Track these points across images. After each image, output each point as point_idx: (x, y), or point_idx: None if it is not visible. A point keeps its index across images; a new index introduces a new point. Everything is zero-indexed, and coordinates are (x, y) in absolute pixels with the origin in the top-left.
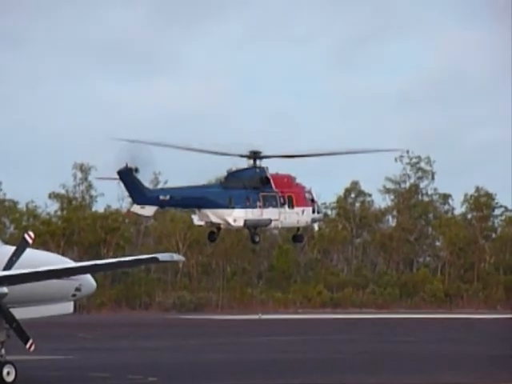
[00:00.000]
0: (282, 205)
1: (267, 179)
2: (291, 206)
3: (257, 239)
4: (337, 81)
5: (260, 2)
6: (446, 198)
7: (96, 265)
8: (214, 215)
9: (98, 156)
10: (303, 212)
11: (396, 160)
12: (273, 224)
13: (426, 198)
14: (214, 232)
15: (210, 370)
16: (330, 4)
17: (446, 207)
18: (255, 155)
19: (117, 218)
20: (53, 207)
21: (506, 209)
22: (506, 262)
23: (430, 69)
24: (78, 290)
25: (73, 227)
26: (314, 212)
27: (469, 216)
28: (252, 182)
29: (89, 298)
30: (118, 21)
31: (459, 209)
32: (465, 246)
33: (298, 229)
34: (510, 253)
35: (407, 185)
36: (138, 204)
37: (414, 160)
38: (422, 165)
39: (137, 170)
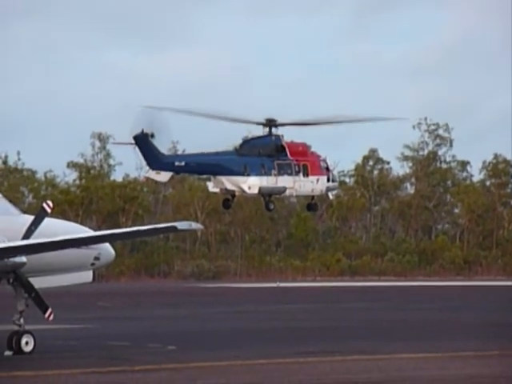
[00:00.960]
0: (297, 173)
1: (282, 147)
2: (306, 174)
3: (271, 207)
4: (352, 49)
5: None
6: (464, 165)
7: (114, 234)
8: (228, 182)
9: (116, 125)
10: (318, 181)
11: (414, 127)
12: (287, 192)
13: (444, 166)
14: (229, 199)
15: (228, 338)
16: None
17: (465, 174)
18: (271, 123)
19: (135, 186)
20: (71, 176)
21: None
22: None
23: (447, 36)
24: (96, 258)
25: (91, 196)
26: (328, 181)
27: (487, 183)
28: (267, 150)
29: (108, 267)
30: None
31: (477, 176)
32: (483, 213)
33: (313, 197)
34: None
35: (425, 152)
36: (153, 169)
37: (432, 127)
38: (440, 132)
39: (153, 136)
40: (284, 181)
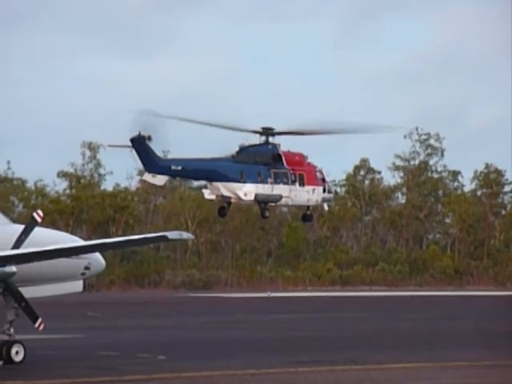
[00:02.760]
0: (293, 182)
1: (279, 156)
2: (302, 184)
3: (266, 214)
4: (343, 57)
5: None
6: (455, 174)
7: (105, 243)
8: (225, 188)
9: (106, 134)
10: (313, 191)
11: (405, 137)
12: (283, 201)
13: (435, 175)
14: (224, 207)
15: (218, 348)
16: None
17: (456, 184)
18: (267, 131)
19: (125, 196)
20: (61, 186)
21: None
22: None
23: (439, 44)
24: (87, 268)
25: (81, 206)
26: (324, 191)
27: (478, 193)
28: (264, 158)
29: (98, 277)
30: None
31: (469, 186)
32: (474, 223)
33: (308, 208)
34: None
35: (416, 162)
36: (149, 172)
37: (424, 137)
38: (432, 142)
39: (150, 139)
40: (280, 189)
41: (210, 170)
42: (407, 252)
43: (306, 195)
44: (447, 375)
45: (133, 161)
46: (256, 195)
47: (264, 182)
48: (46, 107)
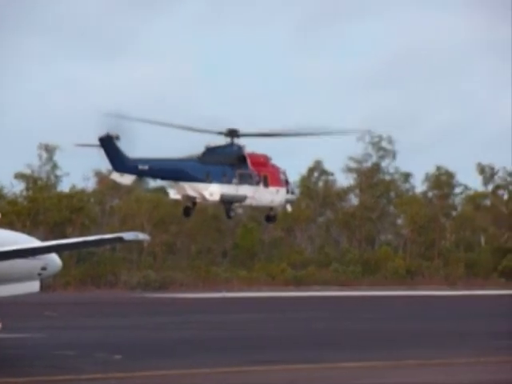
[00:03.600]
0: (258, 183)
1: (244, 157)
2: (266, 185)
3: (231, 214)
4: (297, 62)
5: None
6: (407, 176)
7: (61, 244)
8: (190, 188)
9: (63, 136)
10: (277, 192)
11: (358, 139)
12: (247, 201)
13: (387, 177)
14: (190, 207)
15: (173, 347)
16: None
17: (407, 186)
18: (232, 133)
19: (82, 197)
20: (18, 187)
21: (466, 187)
22: (465, 240)
23: (391, 49)
24: (43, 269)
25: (38, 207)
26: (287, 193)
27: (429, 194)
28: (229, 159)
29: (54, 277)
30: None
31: (420, 187)
32: (426, 224)
33: (272, 208)
34: (470, 230)
35: (369, 164)
36: (117, 171)
37: (376, 139)
38: (384, 144)
39: (118, 138)
40: (245, 190)
41: (177, 170)
42: (360, 253)
43: (269, 196)
44: (398, 374)
45: (89, 162)
46: (221, 195)
47: (229, 182)
48: (2, 109)
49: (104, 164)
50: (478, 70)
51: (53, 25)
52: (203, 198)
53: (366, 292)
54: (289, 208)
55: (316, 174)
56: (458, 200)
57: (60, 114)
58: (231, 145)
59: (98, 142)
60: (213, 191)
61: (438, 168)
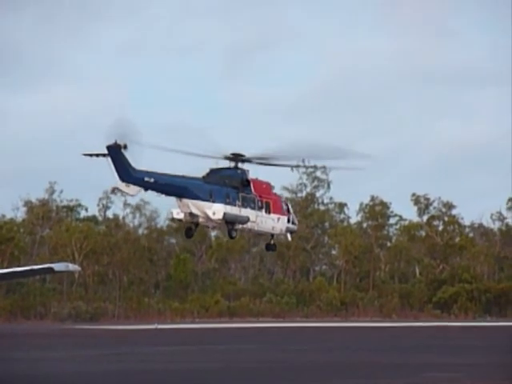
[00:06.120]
0: (260, 208)
1: (247, 182)
2: (268, 211)
3: (234, 234)
4: (227, 90)
5: (146, 14)
6: (341, 206)
7: None
8: (194, 206)
9: None
10: (279, 219)
11: (292, 169)
12: (249, 225)
13: (321, 207)
14: (192, 228)
15: (103, 380)
16: (219, 12)
17: (342, 216)
18: (237, 157)
19: (11, 227)
20: None
21: (401, 217)
22: (400, 271)
23: (327, 79)
24: None
25: None
26: (288, 222)
27: (364, 225)
28: (233, 182)
29: None
30: (8, 26)
31: (355, 217)
32: (360, 255)
33: (272, 236)
34: (405, 261)
35: (303, 194)
36: (123, 181)
37: (310, 169)
38: (318, 174)
39: (125, 147)
40: (247, 213)
41: (181, 187)
42: (294, 283)
43: (271, 222)
44: None
45: (18, 191)
46: (224, 214)
47: (232, 204)
48: None
49: (34, 193)
50: (410, 97)
51: None
52: (206, 216)
53: (300, 323)
54: (289, 237)
55: None
56: (392, 230)
57: None
58: (235, 168)
59: (105, 151)
60: (216, 210)
61: (373, 198)
